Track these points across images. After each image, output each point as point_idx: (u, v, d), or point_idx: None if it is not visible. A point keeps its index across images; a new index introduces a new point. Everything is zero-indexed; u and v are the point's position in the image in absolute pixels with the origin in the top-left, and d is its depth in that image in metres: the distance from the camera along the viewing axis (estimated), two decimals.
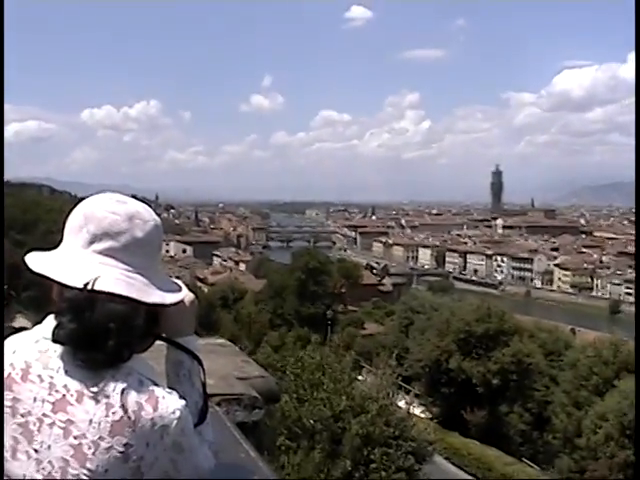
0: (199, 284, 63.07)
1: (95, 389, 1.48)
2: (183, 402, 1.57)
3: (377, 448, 13.91)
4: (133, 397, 1.49)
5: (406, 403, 17.65)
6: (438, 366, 31.97)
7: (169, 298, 1.64)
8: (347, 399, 13.87)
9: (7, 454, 1.49)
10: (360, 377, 20.89)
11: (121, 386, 1.49)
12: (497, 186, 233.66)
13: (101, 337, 1.47)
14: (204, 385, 1.74)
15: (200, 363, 1.74)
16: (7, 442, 1.49)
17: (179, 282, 1.76)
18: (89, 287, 1.50)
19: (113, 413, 1.47)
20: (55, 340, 1.50)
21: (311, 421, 13.43)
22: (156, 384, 1.56)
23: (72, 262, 1.59)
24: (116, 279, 1.56)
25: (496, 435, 29.12)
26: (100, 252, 1.60)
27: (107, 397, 1.48)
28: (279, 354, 18.24)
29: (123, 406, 1.48)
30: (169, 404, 1.53)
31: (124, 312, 1.51)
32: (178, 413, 1.53)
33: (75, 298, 1.51)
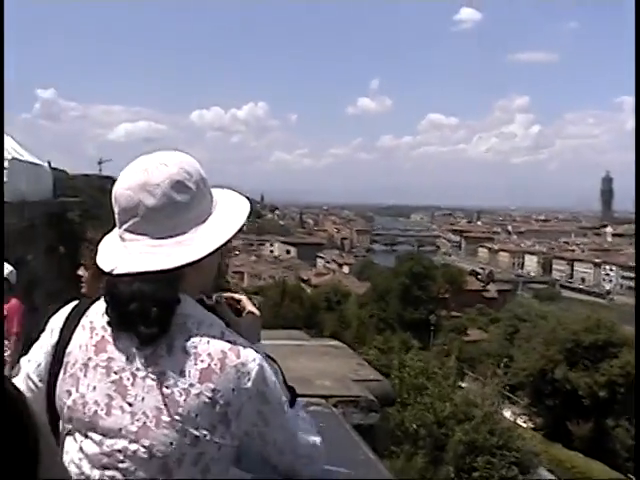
0: (303, 285, 63.56)
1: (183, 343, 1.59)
2: (262, 355, 1.65)
3: (481, 456, 13.73)
4: (218, 346, 1.59)
5: (513, 413, 17.37)
6: (543, 376, 31.22)
7: (200, 252, 1.65)
8: (451, 405, 13.75)
9: (101, 412, 1.58)
10: (463, 384, 20.65)
11: (207, 338, 1.59)
12: (607, 193, 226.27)
13: (131, 320, 1.57)
14: (286, 384, 1.78)
15: (276, 363, 1.78)
16: (101, 401, 1.58)
17: (238, 219, 1.79)
18: (114, 272, 1.62)
19: (201, 361, 1.56)
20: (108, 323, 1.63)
21: (414, 426, 13.37)
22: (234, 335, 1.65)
23: (106, 246, 1.74)
24: (140, 254, 1.63)
25: (601, 449, 28.17)
26: (127, 230, 1.68)
27: (195, 347, 1.57)
28: (383, 357, 18.18)
29: (210, 354, 1.58)
30: (249, 354, 1.61)
31: (144, 290, 1.58)
32: (258, 360, 1.61)
33: (106, 284, 1.64)
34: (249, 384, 1.59)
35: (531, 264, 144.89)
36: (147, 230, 1.65)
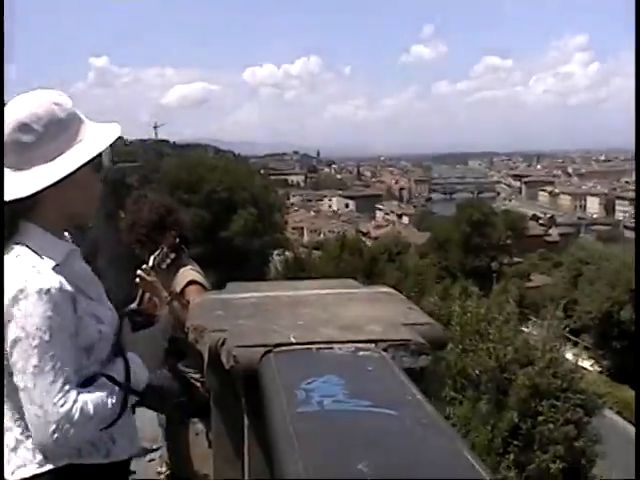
0: (362, 238, 63.60)
1: None
2: (48, 287, 1.81)
3: (545, 400, 13.67)
4: (19, 273, 1.83)
5: (574, 355, 17.20)
6: (609, 318, 30.86)
7: (28, 189, 1.86)
8: (513, 350, 13.68)
9: None
10: (526, 329, 20.51)
11: (18, 264, 1.85)
12: None
13: None
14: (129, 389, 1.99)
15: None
16: None
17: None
18: None
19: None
20: None
21: (476, 372, 13.36)
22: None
23: None
24: None
25: None
26: None
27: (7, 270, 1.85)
28: (444, 305, 18.12)
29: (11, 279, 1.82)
30: (35, 282, 1.81)
31: None
32: (38, 291, 1.80)
33: None
34: (17, 307, 1.77)
35: (593, 206, 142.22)
36: (6, 163, 1.87)
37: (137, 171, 48.20)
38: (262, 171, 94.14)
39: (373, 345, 2.05)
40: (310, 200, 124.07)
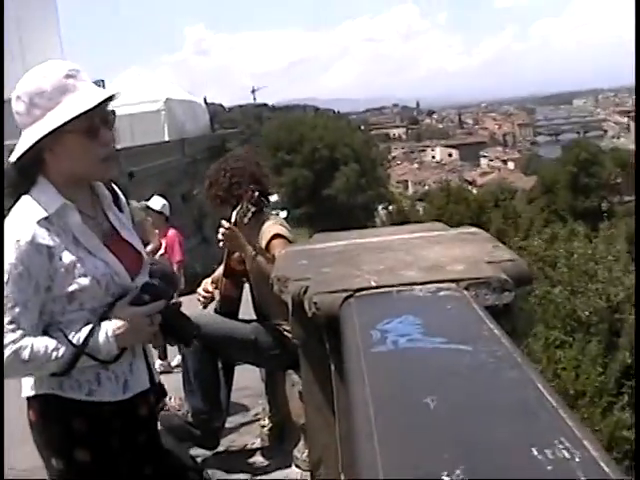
0: (468, 186, 62.65)
1: None
2: (18, 238, 2.05)
3: None
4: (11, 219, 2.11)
5: None
6: None
7: (19, 151, 2.12)
8: (624, 290, 13.22)
9: None
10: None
11: (18, 212, 2.13)
12: None
13: None
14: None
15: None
16: None
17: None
18: None
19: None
20: None
21: (586, 313, 13.00)
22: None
23: None
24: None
25: None
26: None
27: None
28: (550, 247, 17.63)
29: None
30: (16, 229, 2.06)
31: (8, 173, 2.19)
32: (17, 236, 2.06)
33: None
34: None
35: None
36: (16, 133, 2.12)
37: (238, 137, 48.81)
38: (362, 127, 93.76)
39: (454, 285, 2.02)
40: (412, 152, 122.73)
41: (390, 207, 54.22)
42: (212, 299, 4.33)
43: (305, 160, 49.36)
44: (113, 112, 2.20)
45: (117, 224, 2.34)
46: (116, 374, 2.22)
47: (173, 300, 2.42)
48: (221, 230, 3.90)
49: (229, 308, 4.23)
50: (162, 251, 7.23)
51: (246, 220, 3.89)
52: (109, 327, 2.14)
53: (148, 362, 2.40)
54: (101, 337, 2.12)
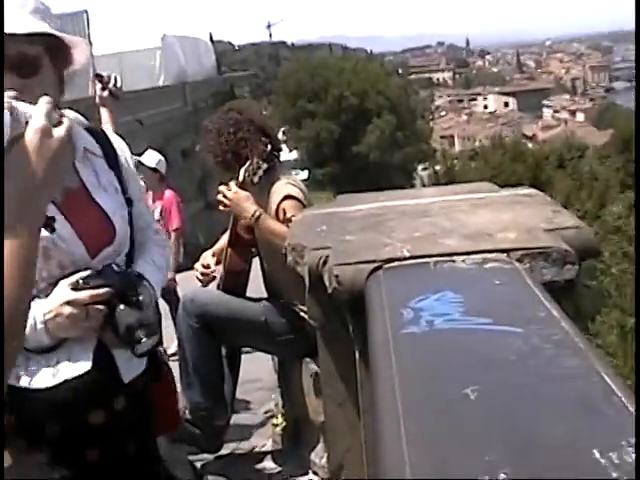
0: (527, 142, 62.10)
1: None
2: None
3: None
4: None
5: None
6: None
7: None
8: None
9: None
10: None
11: None
12: None
13: None
14: None
15: None
16: None
17: None
18: None
19: None
20: None
21: None
22: None
23: None
24: None
25: None
26: None
27: None
28: (630, 217, 17.34)
29: None
30: None
31: None
32: None
33: None
34: None
35: None
36: None
37: (249, 81, 48.54)
38: (400, 70, 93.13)
39: (504, 255, 2.00)
40: (461, 101, 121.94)
41: (434, 168, 53.84)
42: (213, 278, 4.31)
43: (330, 110, 48.98)
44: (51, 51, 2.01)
45: (91, 181, 2.19)
46: (46, 361, 2.07)
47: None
48: (220, 189, 3.90)
49: (234, 285, 4.19)
50: (156, 217, 6.93)
51: (256, 179, 3.87)
52: (39, 310, 2.01)
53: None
54: (29, 321, 1.89)
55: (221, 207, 3.97)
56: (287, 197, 3.98)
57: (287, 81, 52.26)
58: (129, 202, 2.25)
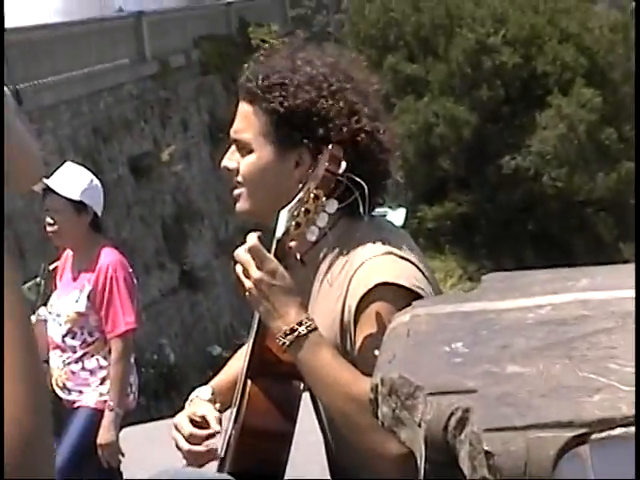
0: None
1: None
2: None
3: None
4: None
5: None
6: None
7: None
8: None
9: None
10: None
11: None
12: None
13: None
14: None
15: None
16: None
17: None
18: None
19: None
20: None
21: None
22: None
23: None
24: None
25: None
26: None
27: None
28: None
29: None
30: None
31: None
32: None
33: None
34: None
35: None
36: None
37: (269, 15, 28.80)
38: None
39: None
40: None
41: None
42: (214, 451, 2.07)
43: (453, 78, 26.25)
44: None
45: None
46: None
47: None
48: (238, 257, 1.84)
49: (261, 462, 2.00)
50: (81, 308, 3.99)
51: (313, 234, 1.76)
52: None
53: None
54: None
55: (247, 295, 1.85)
56: (381, 287, 1.81)
57: (359, 14, 28.96)
58: None
